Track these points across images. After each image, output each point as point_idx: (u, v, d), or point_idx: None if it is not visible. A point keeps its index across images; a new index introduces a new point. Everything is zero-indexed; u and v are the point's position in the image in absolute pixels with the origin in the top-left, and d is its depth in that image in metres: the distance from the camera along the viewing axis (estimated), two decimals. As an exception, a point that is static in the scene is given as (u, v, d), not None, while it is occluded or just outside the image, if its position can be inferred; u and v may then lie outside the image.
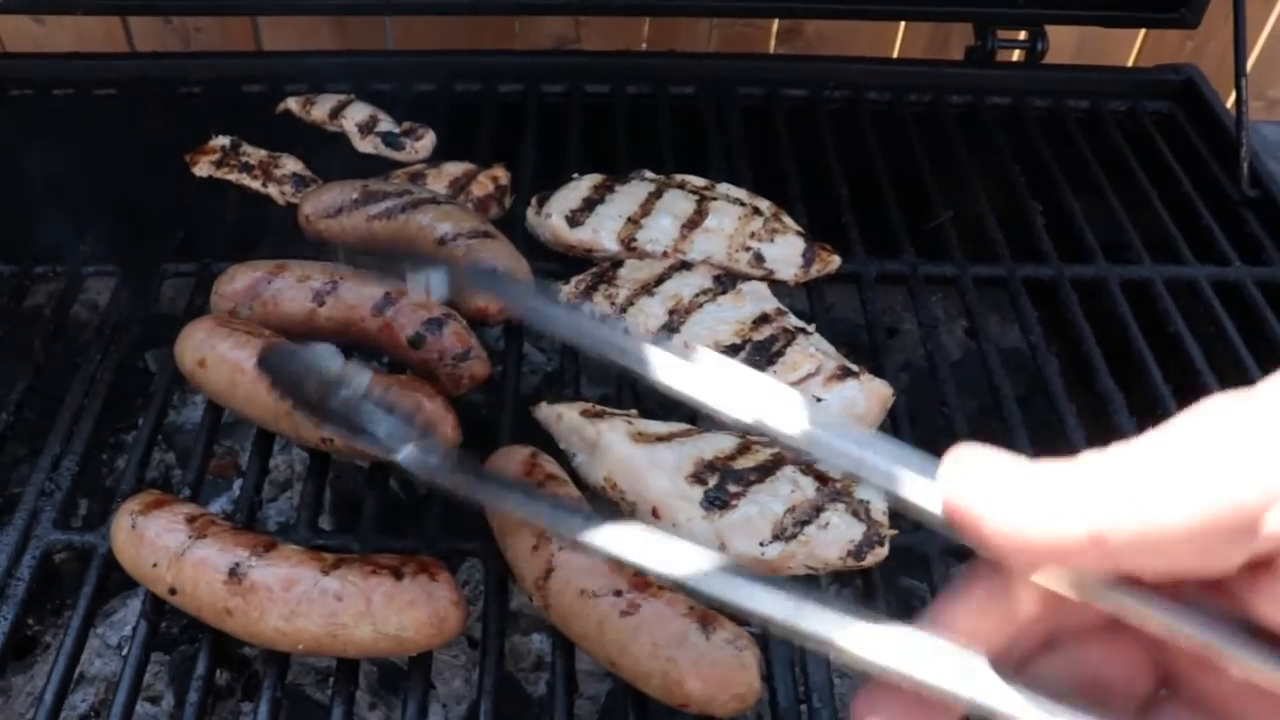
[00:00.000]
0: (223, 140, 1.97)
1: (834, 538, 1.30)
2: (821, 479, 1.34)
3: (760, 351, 1.52)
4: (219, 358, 1.45)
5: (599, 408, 1.47)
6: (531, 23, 2.74)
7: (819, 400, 1.46)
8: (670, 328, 1.55)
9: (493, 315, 1.57)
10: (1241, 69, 1.97)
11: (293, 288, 1.55)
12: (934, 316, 1.76)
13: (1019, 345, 1.83)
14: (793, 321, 1.58)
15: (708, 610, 1.18)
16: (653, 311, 1.56)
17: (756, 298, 1.61)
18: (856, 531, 1.31)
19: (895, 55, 2.78)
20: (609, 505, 1.37)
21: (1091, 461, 0.53)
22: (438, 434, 1.32)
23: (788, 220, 1.78)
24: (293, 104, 2.05)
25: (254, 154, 1.95)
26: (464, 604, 1.23)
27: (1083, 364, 1.68)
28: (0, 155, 1.81)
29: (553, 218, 1.73)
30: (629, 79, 2.14)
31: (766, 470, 1.34)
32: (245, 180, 1.90)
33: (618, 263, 1.66)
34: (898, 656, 0.58)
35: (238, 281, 1.58)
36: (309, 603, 1.19)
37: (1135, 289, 1.80)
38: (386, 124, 1.98)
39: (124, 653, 1.37)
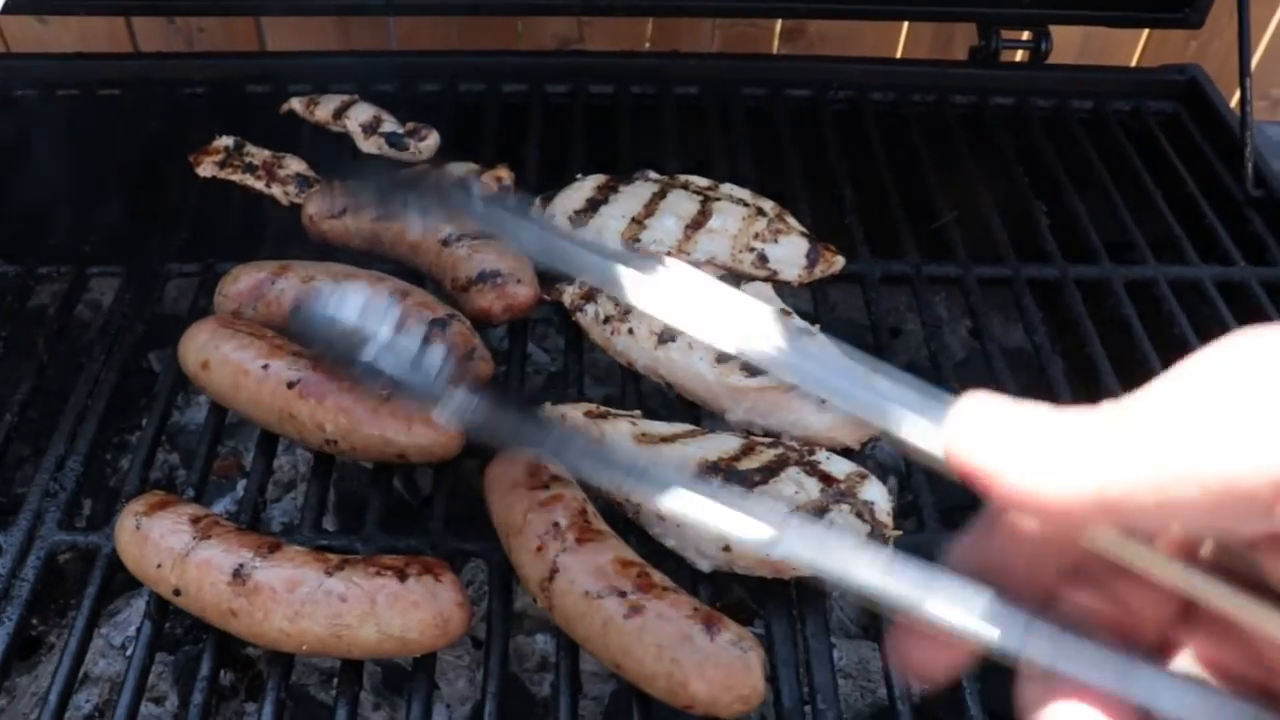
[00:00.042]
0: (226, 141, 1.97)
1: (838, 539, 1.29)
2: (826, 480, 1.34)
3: (764, 352, 1.51)
4: (222, 359, 1.45)
5: (603, 409, 1.47)
6: (535, 23, 2.74)
7: (823, 402, 1.46)
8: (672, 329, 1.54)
9: (496, 316, 1.57)
10: (1246, 69, 1.97)
11: (296, 288, 1.55)
12: (938, 317, 1.76)
13: (1023, 345, 1.83)
14: (797, 322, 1.58)
15: (712, 611, 1.18)
16: (656, 312, 1.56)
17: (761, 299, 1.61)
18: (860, 533, 1.30)
19: (899, 55, 2.78)
20: (614, 505, 1.38)
21: (1106, 415, 0.50)
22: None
23: (792, 221, 1.77)
24: (296, 104, 2.05)
25: (258, 154, 1.94)
26: (468, 605, 1.23)
27: (1087, 364, 1.68)
28: (4, 155, 1.81)
29: (556, 218, 1.73)
30: (632, 79, 2.14)
31: (770, 471, 1.34)
32: (249, 181, 1.90)
33: (621, 263, 1.66)
34: (923, 599, 0.57)
35: (241, 282, 1.58)
36: (313, 604, 1.19)
37: (1139, 289, 1.80)
38: (390, 124, 1.97)
39: (128, 653, 1.37)
